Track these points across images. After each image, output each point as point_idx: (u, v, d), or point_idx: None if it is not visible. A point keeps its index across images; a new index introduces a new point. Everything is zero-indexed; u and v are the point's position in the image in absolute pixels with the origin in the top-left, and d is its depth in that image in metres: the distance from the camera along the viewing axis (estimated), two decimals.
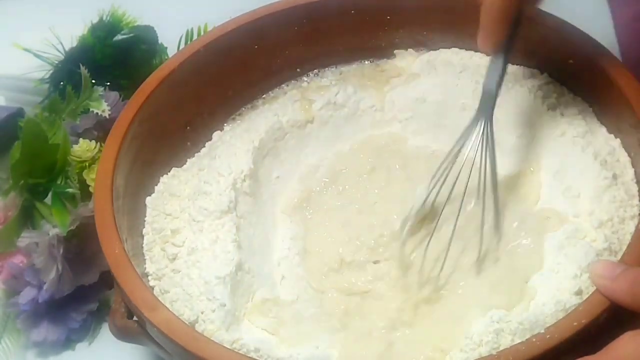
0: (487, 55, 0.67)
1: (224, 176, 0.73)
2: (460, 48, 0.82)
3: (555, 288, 0.63)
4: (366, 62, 0.85)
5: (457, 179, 0.67)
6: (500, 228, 0.69)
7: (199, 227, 0.71)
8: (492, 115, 0.67)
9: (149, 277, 0.69)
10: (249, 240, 0.72)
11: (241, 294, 0.68)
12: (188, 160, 0.78)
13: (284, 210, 0.76)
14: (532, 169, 0.73)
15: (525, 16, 0.65)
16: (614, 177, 0.68)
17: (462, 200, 0.67)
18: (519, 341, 0.58)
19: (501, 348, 0.58)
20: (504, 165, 0.74)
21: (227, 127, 0.82)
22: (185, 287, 0.66)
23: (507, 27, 0.64)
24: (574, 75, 0.76)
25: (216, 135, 0.80)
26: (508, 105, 0.76)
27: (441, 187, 0.67)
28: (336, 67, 0.85)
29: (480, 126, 0.67)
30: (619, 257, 0.63)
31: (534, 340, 0.56)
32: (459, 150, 0.68)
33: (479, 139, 0.67)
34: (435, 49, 0.83)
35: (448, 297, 0.68)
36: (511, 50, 0.66)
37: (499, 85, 0.66)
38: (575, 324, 0.56)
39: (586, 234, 0.66)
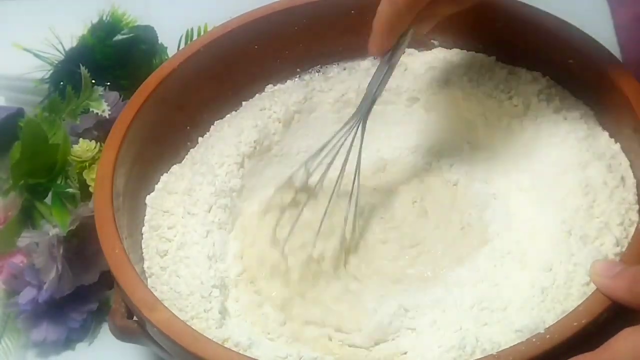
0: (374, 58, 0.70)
1: (216, 167, 0.74)
2: (461, 49, 0.82)
3: (562, 296, 0.62)
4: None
5: (327, 167, 0.70)
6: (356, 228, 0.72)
7: (192, 220, 0.71)
8: (367, 116, 0.69)
9: (146, 275, 0.69)
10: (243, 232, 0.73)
11: (233, 289, 0.68)
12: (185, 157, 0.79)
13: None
14: (535, 173, 0.74)
15: (414, 35, 0.68)
16: (622, 179, 0.68)
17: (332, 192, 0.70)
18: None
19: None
20: (507, 168, 0.75)
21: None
22: (174, 286, 0.67)
23: (393, 40, 0.67)
24: (574, 77, 0.75)
25: (211, 128, 0.80)
26: (513, 110, 0.76)
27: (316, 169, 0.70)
28: (338, 64, 0.85)
29: (355, 125, 0.69)
30: None
31: (534, 340, 0.56)
32: (332, 142, 0.70)
33: (351, 136, 0.69)
34: (435, 49, 0.83)
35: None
36: (395, 59, 0.68)
37: (380, 89, 0.69)
38: (575, 324, 0.56)
39: (596, 237, 0.65)
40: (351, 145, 0.69)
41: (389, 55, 0.68)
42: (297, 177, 0.72)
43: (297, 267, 0.69)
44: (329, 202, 0.69)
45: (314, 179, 0.71)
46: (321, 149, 0.70)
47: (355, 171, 0.71)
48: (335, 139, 0.69)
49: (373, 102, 0.69)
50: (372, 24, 0.66)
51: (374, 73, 0.69)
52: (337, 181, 0.70)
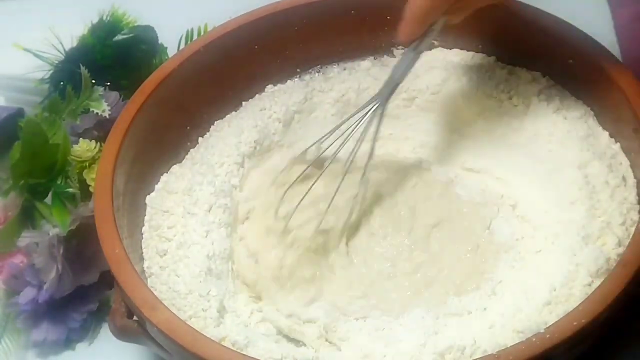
0: (402, 45, 0.71)
1: (216, 167, 0.75)
2: (461, 49, 0.82)
3: (564, 297, 0.62)
4: None
5: (341, 145, 0.71)
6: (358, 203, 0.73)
7: (191, 220, 0.71)
8: (389, 100, 0.71)
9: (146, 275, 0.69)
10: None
11: (232, 287, 0.68)
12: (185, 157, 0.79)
13: None
14: (536, 173, 0.73)
15: (446, 25, 0.69)
16: (623, 179, 0.68)
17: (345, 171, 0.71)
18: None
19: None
20: (507, 168, 0.75)
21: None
22: (172, 285, 0.67)
23: (423, 29, 0.67)
24: (574, 77, 0.76)
25: (211, 128, 0.80)
26: (513, 109, 0.76)
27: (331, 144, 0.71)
28: (338, 65, 0.85)
29: (375, 106, 0.70)
30: None
31: (534, 340, 0.56)
32: (351, 121, 0.71)
33: (370, 116, 0.70)
34: (435, 49, 0.83)
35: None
36: (422, 48, 0.70)
37: (404, 75, 0.70)
38: (575, 324, 0.56)
39: (598, 237, 0.65)
40: (366, 127, 0.70)
41: (416, 44, 0.69)
42: (310, 153, 0.73)
43: (302, 240, 0.70)
44: (343, 178, 0.70)
45: (326, 156, 0.72)
46: (337, 127, 0.70)
47: (370, 154, 0.71)
48: (353, 120, 0.70)
49: (395, 87, 0.70)
50: (405, 11, 0.66)
51: (400, 59, 0.70)
52: (348, 160, 0.70)
